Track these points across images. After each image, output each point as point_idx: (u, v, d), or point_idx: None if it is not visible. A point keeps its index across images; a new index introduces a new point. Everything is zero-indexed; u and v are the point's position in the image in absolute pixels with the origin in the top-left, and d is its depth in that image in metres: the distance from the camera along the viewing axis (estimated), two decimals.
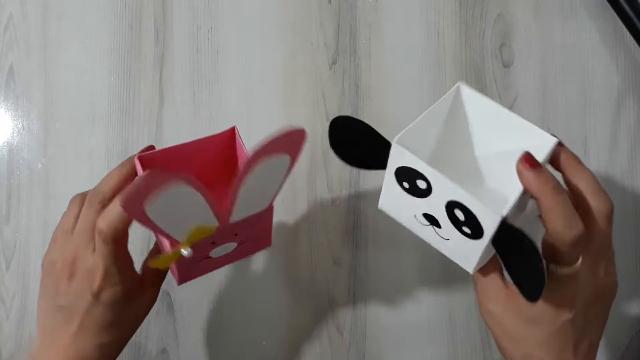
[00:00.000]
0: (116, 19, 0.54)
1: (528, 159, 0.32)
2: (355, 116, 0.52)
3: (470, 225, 0.31)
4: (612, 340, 0.50)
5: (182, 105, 0.53)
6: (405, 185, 0.34)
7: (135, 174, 0.37)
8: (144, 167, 0.37)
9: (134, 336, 0.51)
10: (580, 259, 0.32)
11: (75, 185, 0.52)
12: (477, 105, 0.36)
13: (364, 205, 0.51)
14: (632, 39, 0.49)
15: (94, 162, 0.53)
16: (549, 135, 0.34)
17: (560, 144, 0.34)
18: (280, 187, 0.35)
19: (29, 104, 0.54)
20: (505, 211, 0.30)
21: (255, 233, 0.37)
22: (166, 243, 0.34)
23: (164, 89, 0.53)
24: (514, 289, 0.34)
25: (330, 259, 0.51)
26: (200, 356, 0.51)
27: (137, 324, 0.39)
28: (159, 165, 0.37)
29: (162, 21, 0.54)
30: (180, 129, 0.52)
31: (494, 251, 0.33)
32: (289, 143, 0.32)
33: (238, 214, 0.34)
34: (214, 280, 0.51)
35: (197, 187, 0.30)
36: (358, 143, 0.35)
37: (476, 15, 0.53)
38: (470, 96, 0.36)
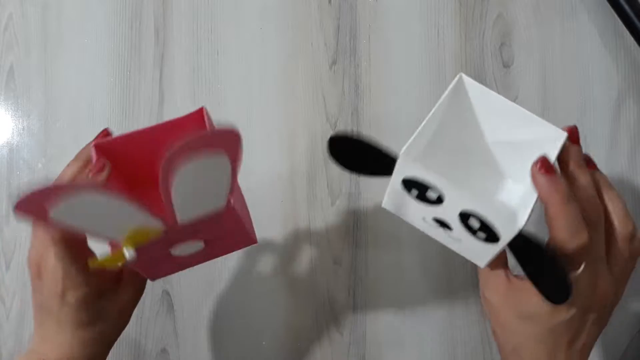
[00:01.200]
0: (116, 19, 0.54)
1: (544, 164, 0.31)
2: (355, 116, 0.52)
3: (485, 232, 0.31)
4: (612, 340, 0.50)
5: (182, 105, 0.53)
6: (414, 192, 0.32)
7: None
8: (101, 156, 0.34)
9: (134, 335, 0.51)
10: (583, 266, 0.32)
11: None
12: (480, 98, 0.35)
13: (364, 205, 0.51)
14: (632, 39, 0.49)
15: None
16: (557, 129, 0.33)
17: (571, 136, 0.33)
18: (229, 186, 0.31)
19: (29, 103, 0.54)
20: (522, 222, 0.29)
21: (222, 232, 0.34)
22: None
23: (164, 89, 0.53)
24: (516, 283, 0.34)
25: (330, 259, 0.51)
26: (200, 356, 0.51)
27: (122, 318, 0.39)
28: (118, 153, 0.34)
29: (162, 21, 0.54)
30: None
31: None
32: (220, 141, 0.28)
33: (185, 215, 0.31)
34: (214, 281, 0.51)
35: (116, 195, 0.27)
36: (360, 156, 0.34)
37: (476, 15, 0.53)
38: (473, 87, 0.35)
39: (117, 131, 0.53)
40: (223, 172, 0.29)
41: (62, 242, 0.34)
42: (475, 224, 0.31)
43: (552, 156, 0.32)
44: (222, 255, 0.38)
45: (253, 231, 0.39)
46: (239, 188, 0.38)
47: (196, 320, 0.51)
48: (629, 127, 0.52)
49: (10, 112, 0.54)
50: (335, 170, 0.52)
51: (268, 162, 0.52)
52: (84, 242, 0.36)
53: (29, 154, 0.53)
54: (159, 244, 0.32)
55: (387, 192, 0.35)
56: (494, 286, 0.35)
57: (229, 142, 0.28)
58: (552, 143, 0.32)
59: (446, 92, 0.34)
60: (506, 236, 0.30)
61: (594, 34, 0.52)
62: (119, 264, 0.31)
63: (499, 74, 0.52)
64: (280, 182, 0.52)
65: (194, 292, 0.51)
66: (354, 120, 0.52)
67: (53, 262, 0.34)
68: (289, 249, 0.51)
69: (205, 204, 0.31)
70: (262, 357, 0.51)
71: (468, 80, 0.34)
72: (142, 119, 0.53)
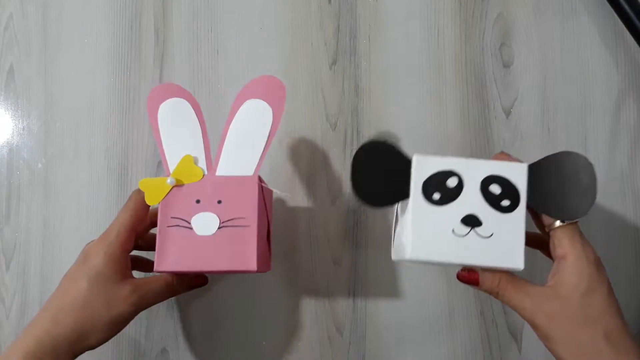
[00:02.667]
0: (116, 19, 0.54)
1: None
2: (355, 116, 0.52)
3: (508, 194, 0.35)
4: None
5: None
6: (436, 196, 0.35)
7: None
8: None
9: (134, 335, 0.51)
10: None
11: (75, 185, 0.52)
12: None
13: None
14: (632, 39, 0.49)
15: (93, 162, 0.53)
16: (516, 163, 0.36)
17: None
18: (264, 149, 0.39)
19: (29, 103, 0.54)
20: (526, 164, 0.35)
21: (238, 211, 0.38)
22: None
23: None
24: (553, 286, 0.35)
25: (330, 259, 0.51)
26: (200, 356, 0.51)
27: (111, 320, 0.39)
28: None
29: (162, 21, 0.54)
30: None
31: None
32: (268, 90, 0.39)
33: (224, 166, 0.39)
34: (214, 281, 0.51)
35: (199, 112, 0.40)
36: (380, 173, 0.36)
37: (476, 15, 0.53)
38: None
39: (117, 131, 0.53)
40: (266, 123, 0.39)
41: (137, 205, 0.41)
42: (495, 189, 0.35)
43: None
44: (222, 270, 0.39)
45: (263, 259, 0.41)
46: (265, 209, 0.41)
47: (196, 320, 0.51)
48: (629, 127, 0.52)
49: (10, 112, 0.54)
50: (335, 171, 0.52)
51: (268, 162, 0.52)
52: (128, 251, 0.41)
53: (29, 154, 0.53)
54: (189, 199, 0.38)
55: (410, 236, 0.35)
56: (540, 300, 0.35)
57: (273, 90, 0.39)
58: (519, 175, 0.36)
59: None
60: (521, 182, 0.35)
61: (594, 34, 0.52)
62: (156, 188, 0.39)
63: (499, 74, 0.52)
64: (281, 182, 0.52)
65: (194, 292, 0.51)
66: (354, 120, 0.52)
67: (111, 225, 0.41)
68: (289, 249, 0.51)
69: (243, 160, 0.39)
70: (262, 357, 0.51)
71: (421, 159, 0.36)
72: (142, 119, 0.53)
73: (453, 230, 0.35)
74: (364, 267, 0.51)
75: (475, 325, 0.50)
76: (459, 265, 0.37)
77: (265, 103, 0.39)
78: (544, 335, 0.35)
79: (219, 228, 0.38)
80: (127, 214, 0.40)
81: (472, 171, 0.35)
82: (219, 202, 0.38)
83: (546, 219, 0.36)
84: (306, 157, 0.52)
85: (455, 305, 0.51)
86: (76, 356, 0.38)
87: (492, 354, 0.50)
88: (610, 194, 0.51)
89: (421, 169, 0.35)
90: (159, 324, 0.51)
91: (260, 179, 0.39)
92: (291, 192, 0.52)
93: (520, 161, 0.36)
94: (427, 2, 0.53)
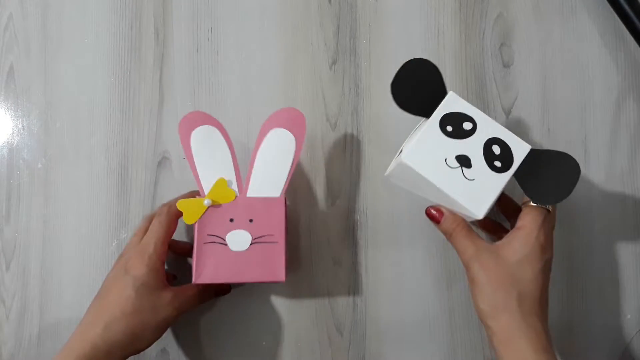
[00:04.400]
0: (116, 18, 0.54)
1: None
2: (355, 116, 0.52)
3: (503, 158, 0.40)
4: (612, 340, 0.50)
5: (182, 105, 0.53)
6: (449, 128, 0.41)
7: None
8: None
9: None
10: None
11: (75, 185, 0.52)
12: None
13: (364, 205, 0.51)
14: (632, 39, 0.49)
15: (94, 163, 0.53)
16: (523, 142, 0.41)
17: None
18: (289, 173, 0.43)
19: (29, 103, 0.54)
20: (528, 145, 0.40)
21: (268, 228, 0.43)
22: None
23: (164, 88, 0.53)
24: (498, 243, 0.41)
25: (330, 259, 0.51)
26: (200, 356, 0.51)
27: (158, 324, 0.42)
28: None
29: (162, 21, 0.54)
30: None
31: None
32: (290, 121, 0.43)
33: (253, 188, 0.43)
34: None
35: (227, 138, 0.43)
36: (418, 87, 0.41)
37: (476, 15, 0.53)
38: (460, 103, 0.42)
39: (117, 131, 0.53)
40: (290, 151, 0.43)
41: (170, 215, 0.44)
42: (496, 150, 0.40)
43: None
44: (251, 280, 0.43)
45: (284, 270, 0.44)
46: (286, 232, 0.45)
47: (196, 320, 0.51)
48: (629, 127, 0.52)
49: (10, 112, 0.54)
50: (336, 171, 0.52)
51: None
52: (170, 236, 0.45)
53: (29, 154, 0.53)
54: (224, 218, 0.43)
55: (412, 144, 0.41)
56: (486, 260, 0.40)
57: (295, 121, 0.43)
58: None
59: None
60: (519, 157, 0.40)
61: (594, 34, 0.52)
62: (193, 209, 0.43)
63: (499, 74, 0.52)
64: None
65: None
66: (354, 120, 0.52)
67: (146, 239, 0.44)
68: (289, 249, 0.51)
69: (270, 183, 0.43)
70: (262, 357, 0.51)
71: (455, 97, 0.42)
72: (142, 119, 0.53)
73: (446, 160, 0.40)
74: (364, 267, 0.51)
75: (475, 325, 0.50)
76: (431, 190, 0.41)
77: (288, 132, 0.43)
78: (471, 278, 0.40)
79: (251, 244, 0.43)
80: (162, 228, 0.44)
81: (487, 127, 0.41)
82: (251, 220, 0.43)
83: (525, 197, 0.41)
84: (306, 157, 0.52)
85: (455, 305, 0.51)
86: (126, 358, 0.41)
87: (492, 354, 0.50)
88: (610, 194, 0.51)
89: (450, 103, 0.41)
90: None
91: (285, 200, 0.44)
92: (291, 192, 0.52)
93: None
94: (427, 2, 0.53)
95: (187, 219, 0.43)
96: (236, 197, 0.43)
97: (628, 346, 0.50)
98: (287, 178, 0.43)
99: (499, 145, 0.40)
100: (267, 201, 0.43)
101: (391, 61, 0.53)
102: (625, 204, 0.51)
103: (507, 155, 0.40)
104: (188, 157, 0.43)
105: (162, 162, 0.52)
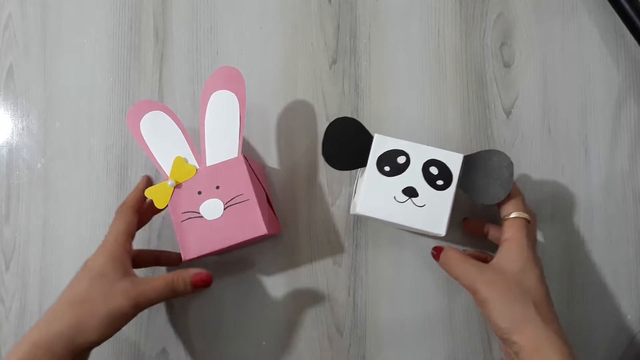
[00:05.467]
0: (116, 18, 0.54)
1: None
2: (355, 116, 0.52)
3: (443, 175, 0.43)
4: (612, 340, 0.50)
5: (182, 105, 0.53)
6: (387, 168, 0.43)
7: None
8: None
9: (134, 335, 0.51)
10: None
11: (75, 185, 0.52)
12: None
13: None
14: (632, 38, 0.49)
15: (93, 162, 0.52)
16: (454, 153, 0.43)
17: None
18: (240, 131, 0.44)
19: (28, 103, 0.54)
20: (461, 155, 0.43)
21: (236, 190, 0.43)
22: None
23: (164, 88, 0.53)
24: (493, 262, 0.42)
25: (330, 259, 0.51)
26: (200, 356, 0.51)
27: (110, 313, 0.39)
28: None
29: (162, 21, 0.54)
30: None
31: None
32: (226, 81, 0.44)
33: (211, 156, 0.44)
34: (214, 281, 0.51)
35: (175, 117, 0.44)
36: (347, 144, 0.44)
37: (476, 14, 0.53)
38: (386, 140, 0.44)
39: (116, 130, 0.53)
40: (235, 111, 0.44)
41: (129, 208, 0.44)
42: (434, 170, 0.43)
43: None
44: (238, 242, 0.43)
45: (271, 223, 0.45)
46: (258, 181, 0.46)
47: (196, 320, 0.51)
48: (629, 127, 0.51)
49: (9, 112, 0.54)
50: (335, 171, 0.52)
51: (268, 162, 0.52)
52: (133, 227, 0.44)
53: (29, 154, 0.53)
54: (192, 193, 0.43)
55: (361, 195, 0.43)
56: (478, 269, 0.41)
57: (233, 80, 0.44)
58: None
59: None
60: (456, 169, 0.42)
61: (594, 33, 0.52)
62: (159, 194, 0.44)
63: (499, 73, 0.52)
64: (281, 182, 0.52)
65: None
66: None
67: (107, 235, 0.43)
68: (289, 249, 0.51)
69: (226, 148, 0.44)
70: (262, 357, 0.51)
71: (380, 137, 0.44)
72: None
73: (395, 197, 0.43)
74: (364, 267, 0.51)
75: (475, 325, 0.50)
76: (395, 225, 0.44)
77: (228, 91, 0.44)
78: (481, 300, 0.40)
79: (224, 209, 0.43)
80: (118, 221, 0.44)
81: (419, 154, 0.43)
82: (217, 187, 0.44)
83: (502, 210, 0.43)
84: (306, 157, 0.52)
85: (455, 306, 0.50)
86: (78, 355, 0.38)
87: (492, 354, 0.50)
88: (610, 194, 0.51)
89: (379, 145, 0.44)
90: (159, 324, 0.51)
91: (245, 157, 0.44)
92: (291, 192, 0.52)
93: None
94: (427, 2, 0.53)
95: (157, 204, 0.44)
96: (197, 170, 0.44)
97: (628, 346, 0.50)
98: (240, 136, 0.44)
99: (435, 166, 0.43)
100: (227, 164, 0.44)
101: (391, 61, 0.52)
102: (625, 204, 0.51)
103: (445, 172, 0.43)
104: (143, 146, 0.44)
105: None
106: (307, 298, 0.51)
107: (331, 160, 0.44)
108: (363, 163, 0.44)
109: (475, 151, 0.43)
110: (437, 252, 0.45)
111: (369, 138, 0.44)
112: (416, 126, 0.52)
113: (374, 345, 0.50)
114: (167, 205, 0.44)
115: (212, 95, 0.44)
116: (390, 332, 0.50)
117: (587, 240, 0.51)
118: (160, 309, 0.51)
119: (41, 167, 0.53)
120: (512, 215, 0.42)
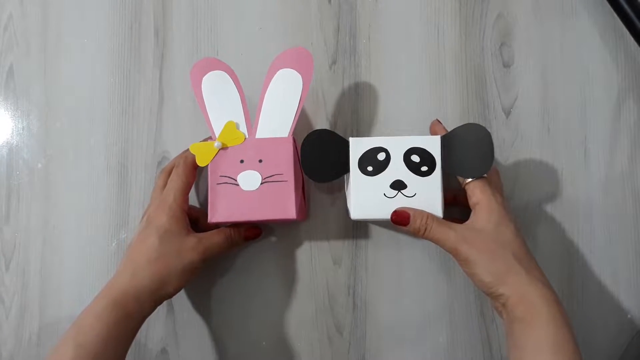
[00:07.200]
0: (116, 19, 0.54)
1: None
2: (355, 116, 0.52)
3: (425, 161, 0.43)
4: (612, 340, 0.50)
5: (182, 105, 0.53)
6: (370, 169, 0.44)
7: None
8: None
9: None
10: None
11: (75, 185, 0.52)
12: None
13: None
14: (632, 38, 0.49)
15: (93, 162, 0.53)
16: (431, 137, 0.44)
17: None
18: (296, 113, 0.44)
19: (28, 103, 0.54)
20: (439, 137, 0.44)
21: (277, 168, 0.44)
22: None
23: (164, 88, 0.53)
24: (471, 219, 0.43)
25: (330, 259, 0.51)
26: (200, 356, 0.51)
27: (184, 268, 0.43)
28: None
29: (162, 21, 0.54)
30: (180, 129, 0.53)
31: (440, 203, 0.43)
32: (297, 60, 0.44)
33: (262, 129, 0.45)
34: (214, 280, 0.51)
35: (237, 82, 0.45)
36: (325, 155, 0.44)
37: (476, 15, 0.53)
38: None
39: (117, 130, 0.53)
40: (297, 91, 0.44)
41: (189, 165, 0.46)
42: (415, 158, 0.43)
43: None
44: (268, 217, 0.44)
45: (300, 209, 0.46)
46: (299, 166, 0.46)
47: (196, 320, 0.51)
48: (629, 127, 0.52)
49: (10, 112, 0.54)
50: None
51: None
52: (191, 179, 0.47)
53: (29, 154, 0.53)
54: (234, 160, 0.44)
55: (352, 203, 0.44)
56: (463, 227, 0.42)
57: (302, 60, 0.44)
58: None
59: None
60: (436, 151, 0.43)
61: (594, 33, 0.52)
62: (205, 152, 0.44)
63: (499, 73, 0.52)
64: None
65: (194, 292, 0.51)
66: (354, 120, 0.52)
67: (166, 190, 0.45)
68: (289, 249, 0.51)
69: (278, 124, 0.45)
70: (262, 357, 0.51)
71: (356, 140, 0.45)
72: (142, 119, 0.53)
73: (384, 194, 0.43)
74: (364, 267, 0.51)
75: (475, 325, 0.50)
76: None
77: (295, 72, 0.44)
78: (464, 260, 0.41)
79: (261, 183, 0.44)
80: (180, 178, 0.45)
81: (397, 146, 0.43)
82: (260, 161, 0.44)
83: (461, 178, 0.44)
84: None
85: (455, 305, 0.51)
86: (157, 304, 0.43)
87: (492, 354, 0.50)
88: (610, 194, 0.51)
89: (356, 148, 0.44)
90: (159, 324, 0.51)
91: (294, 140, 0.45)
92: None
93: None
94: (427, 2, 0.53)
95: (200, 161, 0.44)
96: (245, 139, 0.44)
97: (628, 346, 0.50)
98: (295, 118, 0.44)
99: (415, 154, 0.43)
100: (275, 141, 0.44)
101: (391, 61, 0.53)
102: (625, 204, 0.51)
103: (427, 157, 0.43)
104: (199, 102, 0.45)
105: (162, 161, 0.52)
106: (307, 298, 0.51)
107: (314, 176, 0.44)
108: (346, 169, 0.44)
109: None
110: (403, 216, 0.43)
111: (345, 144, 0.44)
112: (416, 126, 0.52)
113: (374, 345, 0.50)
114: (207, 165, 0.44)
115: (278, 72, 0.45)
116: (390, 332, 0.51)
117: (587, 240, 0.51)
118: (160, 309, 0.51)
119: (41, 167, 0.53)
120: (469, 180, 0.43)
